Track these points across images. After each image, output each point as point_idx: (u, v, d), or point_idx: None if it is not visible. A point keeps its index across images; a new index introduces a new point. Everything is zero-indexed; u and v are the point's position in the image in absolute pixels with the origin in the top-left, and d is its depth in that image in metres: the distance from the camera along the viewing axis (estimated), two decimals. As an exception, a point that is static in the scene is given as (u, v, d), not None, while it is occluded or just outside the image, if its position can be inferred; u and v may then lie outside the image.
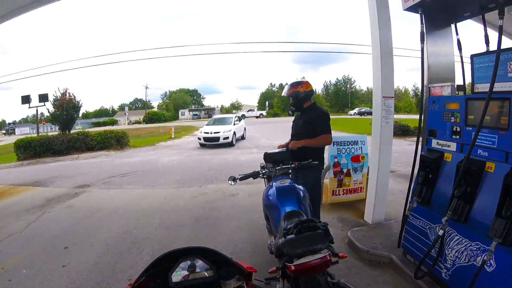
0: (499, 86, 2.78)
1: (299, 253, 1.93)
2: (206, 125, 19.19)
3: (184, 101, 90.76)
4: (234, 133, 17.89)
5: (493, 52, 2.93)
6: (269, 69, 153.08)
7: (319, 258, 1.93)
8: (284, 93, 4.10)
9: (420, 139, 3.55)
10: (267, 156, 3.76)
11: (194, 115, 71.96)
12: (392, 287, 3.28)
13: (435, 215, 3.07)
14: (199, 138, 17.51)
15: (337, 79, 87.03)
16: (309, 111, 3.99)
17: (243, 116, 46.23)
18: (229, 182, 3.40)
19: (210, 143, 16.93)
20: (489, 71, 2.58)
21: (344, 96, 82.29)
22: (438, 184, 3.17)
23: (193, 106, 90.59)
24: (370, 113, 31.67)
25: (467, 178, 2.75)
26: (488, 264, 2.48)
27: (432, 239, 3.04)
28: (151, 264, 1.52)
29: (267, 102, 79.89)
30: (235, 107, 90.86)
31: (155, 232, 5.06)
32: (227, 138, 16.95)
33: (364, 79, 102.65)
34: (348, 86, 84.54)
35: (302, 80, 4.25)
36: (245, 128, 21.34)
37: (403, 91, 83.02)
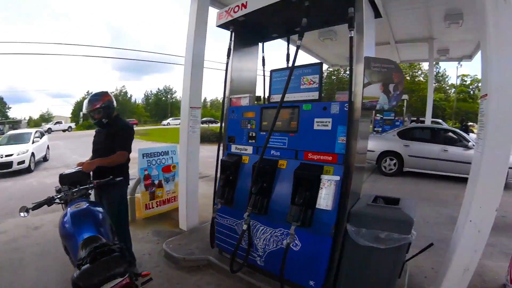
0: (292, 97, 3.24)
1: (96, 283, 1.76)
2: None
3: (-15, 112, 74.74)
4: (33, 154, 13.43)
5: (288, 68, 3.35)
6: (86, 75, 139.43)
7: (117, 283, 1.81)
8: (88, 107, 3.56)
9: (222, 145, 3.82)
10: (63, 178, 3.29)
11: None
12: (216, 287, 3.36)
13: (239, 213, 3.34)
14: None
15: (158, 89, 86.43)
16: (113, 124, 3.63)
17: (50, 130, 40.25)
18: (20, 214, 2.76)
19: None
20: (284, 84, 2.90)
21: (164, 106, 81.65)
22: (239, 185, 3.48)
23: (-5, 118, 75.16)
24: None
25: (263, 176, 3.10)
26: (294, 245, 2.90)
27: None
28: None
29: (81, 113, 72.91)
30: (45, 119, 79.99)
31: None
32: (23, 162, 12.46)
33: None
34: (169, 96, 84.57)
35: (102, 90, 3.81)
36: (48, 147, 16.57)
37: (220, 101, 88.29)
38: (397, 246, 2.62)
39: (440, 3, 7.26)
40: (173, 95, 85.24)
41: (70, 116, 78.35)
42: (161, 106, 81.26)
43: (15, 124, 61.03)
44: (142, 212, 5.52)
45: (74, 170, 3.45)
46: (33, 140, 14.24)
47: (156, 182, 5.64)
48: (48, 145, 16.46)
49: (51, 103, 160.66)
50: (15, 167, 12.13)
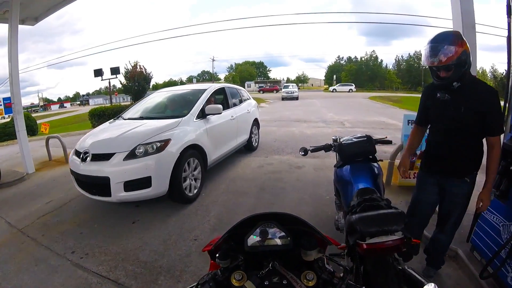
0: None
1: (372, 232, 1.82)
2: (110, 122, 5.95)
3: (250, 73, 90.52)
4: (201, 149, 5.24)
5: None
6: (335, 42, 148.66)
7: (393, 239, 1.80)
8: (430, 58, 2.26)
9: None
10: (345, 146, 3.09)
11: (260, 87, 70.15)
12: (454, 283, 3.04)
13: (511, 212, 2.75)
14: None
15: (409, 54, 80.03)
16: (472, 88, 2.36)
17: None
18: (300, 153, 3.33)
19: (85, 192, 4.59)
20: None
21: (417, 73, 74.07)
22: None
23: (258, 78, 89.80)
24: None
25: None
26: None
27: (504, 238, 2.75)
28: (234, 227, 1.47)
29: (334, 76, 77.09)
30: (301, 80, 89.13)
31: (222, 196, 5.24)
32: (146, 182, 4.24)
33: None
34: (420, 63, 76.44)
35: (452, 31, 2.46)
36: (256, 121, 8.46)
37: (480, 72, 75.42)
38: None
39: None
40: (426, 63, 77.77)
41: (324, 78, 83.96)
42: (414, 73, 75.31)
43: (276, 83, 69.59)
44: (398, 178, 5.24)
45: (356, 140, 3.17)
46: (203, 110, 5.64)
47: (418, 152, 4.89)
48: (256, 119, 8.50)
49: (304, 67, 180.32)
50: (116, 184, 4.19)
